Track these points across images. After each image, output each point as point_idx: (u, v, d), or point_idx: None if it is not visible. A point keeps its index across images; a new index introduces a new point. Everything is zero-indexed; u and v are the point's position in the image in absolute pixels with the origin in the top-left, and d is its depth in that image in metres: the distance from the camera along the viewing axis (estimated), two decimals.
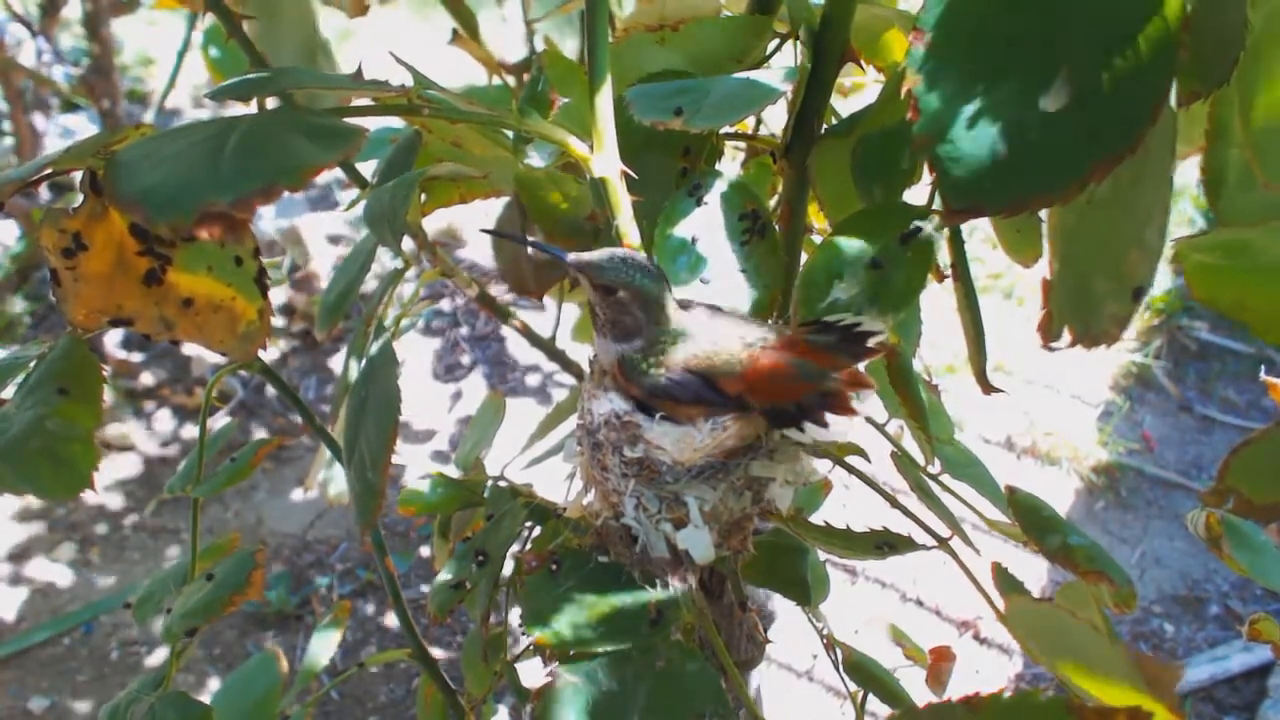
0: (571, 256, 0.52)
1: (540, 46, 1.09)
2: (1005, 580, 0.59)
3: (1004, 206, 0.38)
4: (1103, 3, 0.36)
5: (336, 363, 2.46)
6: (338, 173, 0.95)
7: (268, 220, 2.60)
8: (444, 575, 0.72)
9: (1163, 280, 2.51)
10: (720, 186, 0.60)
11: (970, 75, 0.38)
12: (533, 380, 2.45)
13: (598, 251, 0.51)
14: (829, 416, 0.48)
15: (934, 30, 0.37)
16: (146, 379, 2.37)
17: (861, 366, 0.50)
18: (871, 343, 0.49)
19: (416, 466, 2.18)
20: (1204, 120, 0.44)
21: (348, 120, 0.47)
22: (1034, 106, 0.36)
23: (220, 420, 2.23)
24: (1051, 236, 0.51)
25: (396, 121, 0.88)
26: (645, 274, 0.50)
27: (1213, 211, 0.45)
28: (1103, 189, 0.45)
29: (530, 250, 0.93)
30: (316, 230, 2.69)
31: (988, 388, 0.59)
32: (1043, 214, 0.53)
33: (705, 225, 0.59)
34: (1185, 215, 2.59)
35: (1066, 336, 0.50)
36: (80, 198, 0.47)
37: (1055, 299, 0.49)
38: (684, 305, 0.53)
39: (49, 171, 0.45)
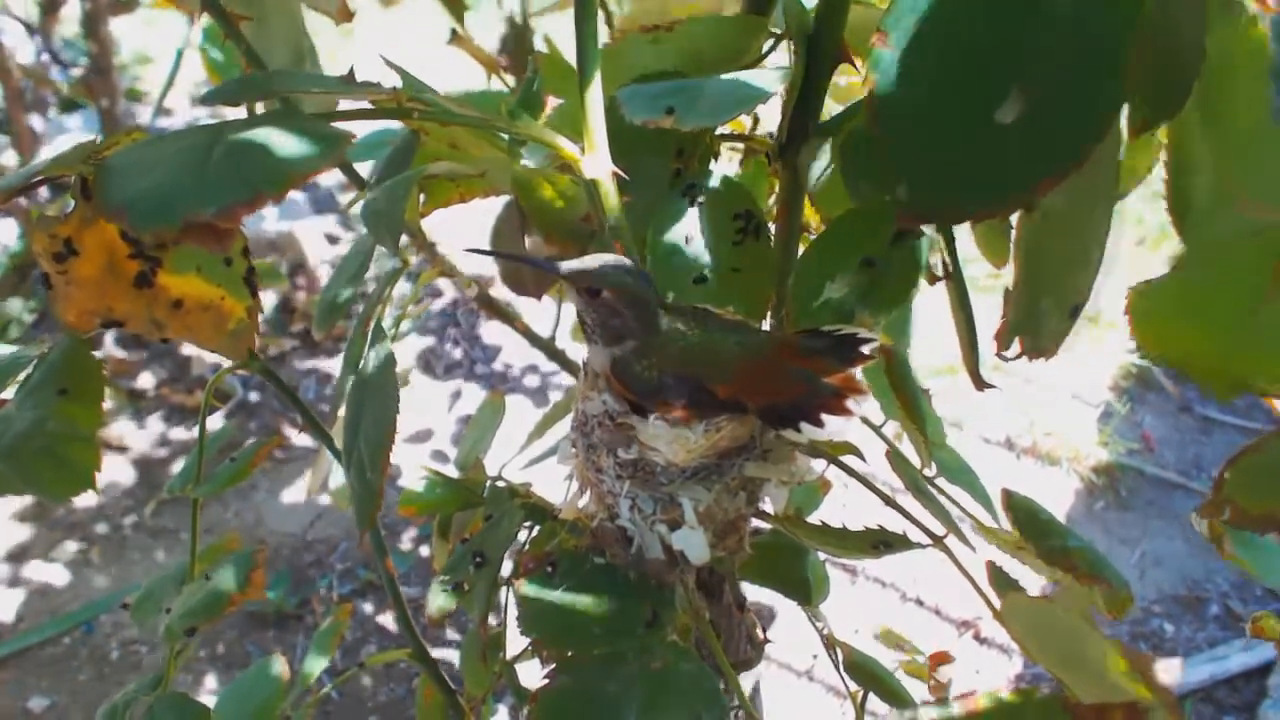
0: (560, 265, 0.52)
1: (540, 46, 1.09)
2: (1000, 578, 0.58)
3: (950, 216, 0.38)
4: (1058, 20, 0.36)
5: (336, 363, 2.46)
6: (340, 176, 0.95)
7: (270, 222, 2.60)
8: (443, 576, 0.73)
9: None
10: (714, 187, 0.60)
11: (928, 84, 0.37)
12: (531, 380, 2.45)
13: (585, 258, 0.51)
14: (825, 417, 0.48)
15: (895, 34, 0.37)
16: (146, 379, 2.37)
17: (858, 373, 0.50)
18: (865, 349, 0.49)
19: (415, 467, 2.18)
20: (1148, 152, 0.43)
21: (336, 124, 0.46)
22: (989, 119, 0.36)
23: (220, 420, 2.23)
24: (1015, 250, 0.51)
25: (398, 124, 0.87)
26: (630, 274, 0.51)
27: (1181, 240, 0.43)
28: (1057, 205, 0.45)
29: (525, 255, 0.93)
30: (315, 230, 2.69)
31: (980, 384, 0.60)
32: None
33: (698, 226, 0.59)
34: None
35: (1016, 347, 0.50)
36: (72, 203, 0.47)
37: (1013, 310, 0.50)
38: (676, 308, 0.53)
39: (39, 179, 0.45)
